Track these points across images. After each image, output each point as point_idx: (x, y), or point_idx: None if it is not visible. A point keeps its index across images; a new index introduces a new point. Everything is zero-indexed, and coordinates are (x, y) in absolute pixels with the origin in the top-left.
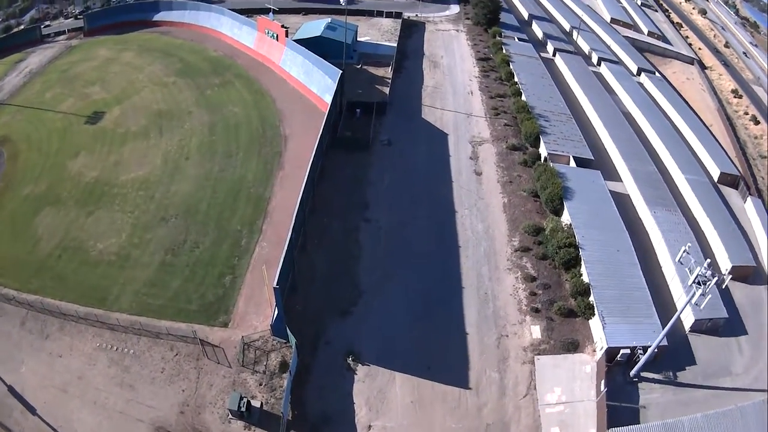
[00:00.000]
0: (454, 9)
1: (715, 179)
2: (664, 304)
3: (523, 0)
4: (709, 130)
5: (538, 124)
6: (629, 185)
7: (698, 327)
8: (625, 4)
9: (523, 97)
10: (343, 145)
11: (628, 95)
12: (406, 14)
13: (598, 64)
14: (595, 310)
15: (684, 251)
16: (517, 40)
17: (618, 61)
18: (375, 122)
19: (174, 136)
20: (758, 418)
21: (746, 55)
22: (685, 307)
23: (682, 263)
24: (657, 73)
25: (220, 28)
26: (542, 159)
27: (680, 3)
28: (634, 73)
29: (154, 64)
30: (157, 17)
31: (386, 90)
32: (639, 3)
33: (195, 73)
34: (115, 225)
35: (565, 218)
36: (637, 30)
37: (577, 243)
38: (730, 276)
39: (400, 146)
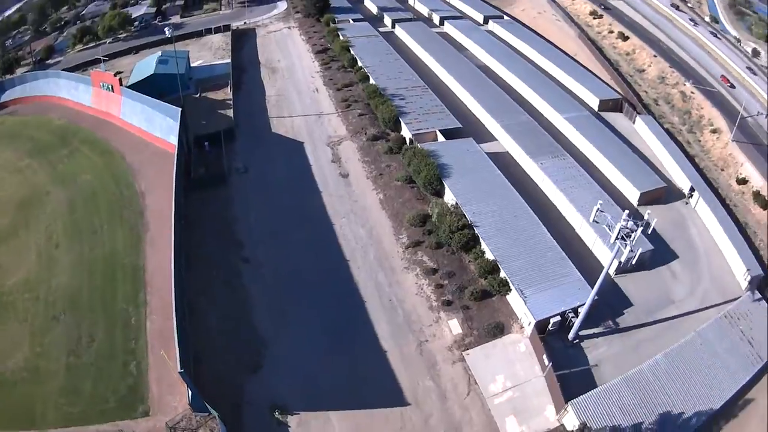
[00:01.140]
0: (282, 6)
1: (596, 109)
2: (579, 255)
3: None
4: (576, 60)
5: (394, 105)
6: (506, 142)
7: (624, 268)
8: None
9: (372, 80)
10: (200, 185)
11: (481, 47)
12: (234, 25)
13: (441, 23)
14: (511, 285)
15: (597, 209)
16: (352, 21)
17: (461, 16)
18: (226, 151)
19: (40, 224)
20: (721, 335)
21: None
22: (611, 264)
23: (597, 222)
24: (505, 17)
25: (59, 93)
26: (408, 142)
27: None
28: (481, 23)
29: (5, 150)
30: (4, 98)
31: (230, 113)
32: None
33: (45, 149)
34: (15, 339)
35: (449, 197)
36: None
37: (470, 221)
38: (649, 212)
39: (257, 170)
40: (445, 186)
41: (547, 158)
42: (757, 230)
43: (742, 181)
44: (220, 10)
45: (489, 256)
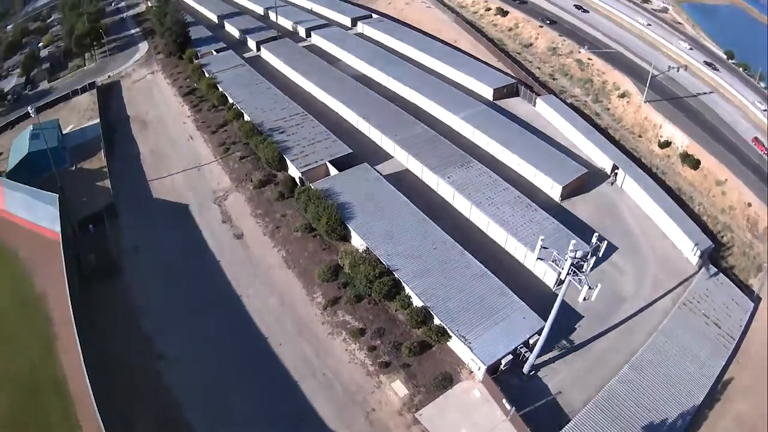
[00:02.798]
0: (143, 48)
1: (491, 99)
2: (512, 272)
3: (204, 2)
4: (458, 49)
5: (275, 141)
6: (404, 159)
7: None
8: None
9: (246, 117)
10: (94, 277)
11: (354, 56)
12: (98, 80)
13: (308, 35)
14: (449, 332)
15: (540, 246)
16: (215, 53)
17: (328, 23)
18: (111, 231)
19: None
20: (685, 326)
21: None
22: (562, 298)
23: (542, 259)
24: (373, 15)
25: None
26: (299, 182)
27: None
28: (349, 26)
29: None
30: None
31: (109, 184)
32: None
33: None
34: None
35: (357, 241)
36: None
37: (387, 266)
38: (596, 235)
39: (148, 248)
40: (351, 229)
41: (454, 170)
42: (693, 194)
43: (665, 144)
44: (84, 65)
45: (417, 301)
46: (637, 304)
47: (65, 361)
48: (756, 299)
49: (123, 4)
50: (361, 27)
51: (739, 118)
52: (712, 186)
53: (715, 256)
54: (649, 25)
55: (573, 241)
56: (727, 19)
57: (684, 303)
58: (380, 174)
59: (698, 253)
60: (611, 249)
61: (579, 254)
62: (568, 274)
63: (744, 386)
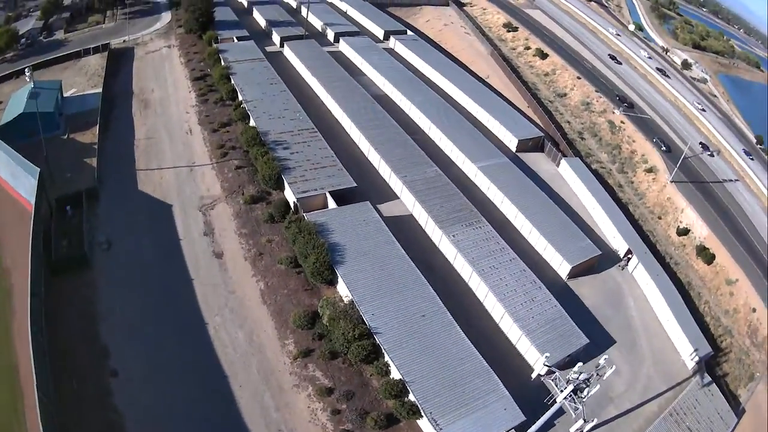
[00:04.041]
0: (165, 18)
1: (514, 150)
2: (502, 353)
3: None
4: (489, 86)
5: (276, 157)
6: (411, 203)
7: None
8: None
9: (252, 122)
10: (62, 268)
11: (380, 73)
12: (113, 43)
13: (336, 41)
14: (422, 410)
15: (543, 365)
16: (236, 40)
17: (359, 31)
18: (88, 217)
19: None
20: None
21: None
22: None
23: (542, 376)
24: (409, 31)
25: None
26: (292, 206)
27: None
28: (381, 39)
29: None
30: None
31: (95, 163)
32: None
33: None
34: None
35: (343, 290)
36: None
37: (369, 328)
38: (605, 358)
39: (121, 246)
40: (338, 275)
41: (460, 228)
42: (702, 290)
43: (683, 232)
44: (103, 23)
45: (395, 373)
46: (623, 405)
47: (19, 349)
48: (741, 412)
49: None
50: (393, 42)
51: (759, 210)
52: (722, 284)
53: (711, 362)
54: (703, 110)
55: (579, 364)
56: (758, 97)
57: (671, 413)
58: (382, 216)
59: (696, 359)
60: (609, 341)
61: (582, 377)
62: (565, 398)
63: None
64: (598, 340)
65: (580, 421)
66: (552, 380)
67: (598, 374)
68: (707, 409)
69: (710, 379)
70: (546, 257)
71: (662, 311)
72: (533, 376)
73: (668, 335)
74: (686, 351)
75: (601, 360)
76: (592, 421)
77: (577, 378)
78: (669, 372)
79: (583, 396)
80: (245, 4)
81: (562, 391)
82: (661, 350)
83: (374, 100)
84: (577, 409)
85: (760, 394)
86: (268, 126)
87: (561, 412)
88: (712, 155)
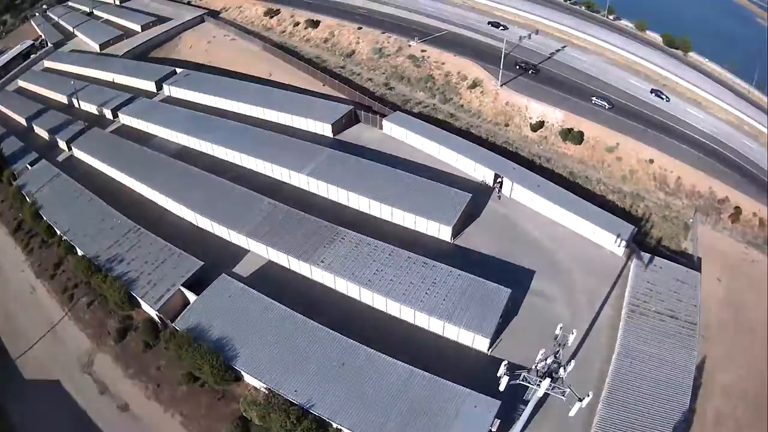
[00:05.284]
0: None
1: (332, 136)
2: (439, 349)
3: (11, 106)
4: (275, 83)
5: (117, 276)
6: (261, 249)
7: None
8: None
9: (79, 251)
10: None
11: (165, 127)
12: None
13: (115, 116)
14: None
15: (504, 374)
16: (29, 167)
17: (133, 95)
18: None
19: None
20: (641, 333)
21: None
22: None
23: (512, 380)
24: (178, 70)
25: None
26: (159, 321)
27: None
28: (155, 90)
29: None
30: None
31: None
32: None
33: None
34: None
35: (252, 380)
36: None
37: (300, 406)
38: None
39: None
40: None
41: (324, 250)
42: (588, 172)
43: (538, 125)
44: None
45: None
46: (581, 327)
47: None
48: (698, 263)
49: None
50: (167, 89)
51: (605, 65)
52: (604, 155)
53: (638, 238)
54: None
55: (541, 350)
56: None
57: (631, 309)
58: (245, 281)
59: (623, 243)
60: (528, 275)
61: (549, 360)
62: (547, 387)
63: (718, 359)
64: (519, 280)
65: (577, 404)
66: (522, 380)
67: (560, 345)
68: (664, 282)
69: (648, 254)
70: (422, 230)
71: (561, 216)
72: (501, 388)
73: (582, 236)
74: (609, 241)
75: (557, 329)
76: (588, 396)
77: (546, 363)
78: (603, 269)
79: (562, 376)
80: (24, 122)
81: (538, 385)
82: (584, 254)
83: (176, 159)
84: (564, 392)
85: (704, 233)
86: (94, 247)
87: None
88: (529, 37)
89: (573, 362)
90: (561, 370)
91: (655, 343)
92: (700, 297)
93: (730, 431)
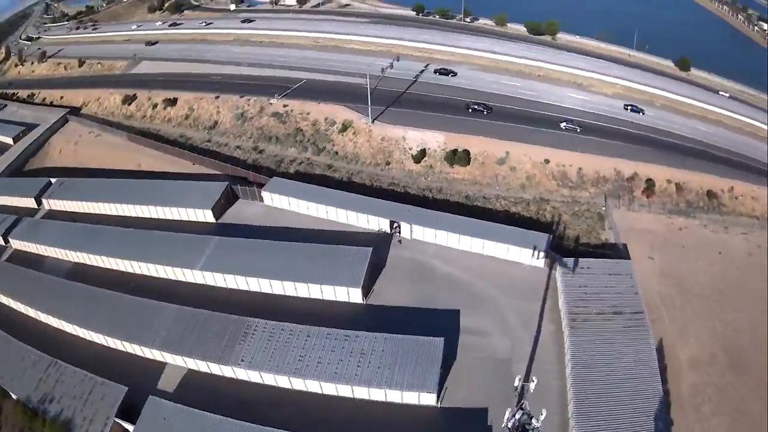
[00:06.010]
0: None
1: (215, 221)
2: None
3: None
4: (148, 173)
5: (51, 420)
6: (179, 360)
7: None
8: None
9: (13, 395)
10: None
11: (52, 246)
12: None
13: (6, 241)
14: None
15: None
16: None
17: (16, 216)
18: None
19: None
20: (591, 340)
21: None
22: None
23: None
24: (52, 180)
25: None
26: None
27: None
28: (36, 206)
29: None
30: None
31: None
32: None
33: None
34: None
35: None
36: None
37: None
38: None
39: None
40: None
41: (241, 347)
42: (485, 191)
43: (421, 155)
44: None
45: None
46: (525, 352)
47: None
48: (624, 249)
49: None
50: (46, 203)
51: (476, 72)
52: (497, 170)
53: (556, 243)
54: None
55: (508, 410)
56: None
57: (571, 318)
58: (171, 398)
59: (540, 254)
60: (454, 315)
61: (518, 415)
62: None
63: (675, 336)
64: (447, 324)
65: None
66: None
67: (522, 395)
68: (596, 281)
69: (570, 258)
70: (331, 297)
71: (469, 244)
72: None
73: (496, 258)
74: (525, 256)
75: (516, 381)
76: (542, 414)
77: (515, 419)
78: (529, 288)
79: (537, 426)
80: None
81: None
82: (504, 277)
83: (71, 281)
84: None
85: (621, 217)
86: (24, 390)
87: None
88: (391, 66)
89: (544, 411)
90: (533, 420)
91: (607, 345)
92: (637, 283)
93: (711, 399)
